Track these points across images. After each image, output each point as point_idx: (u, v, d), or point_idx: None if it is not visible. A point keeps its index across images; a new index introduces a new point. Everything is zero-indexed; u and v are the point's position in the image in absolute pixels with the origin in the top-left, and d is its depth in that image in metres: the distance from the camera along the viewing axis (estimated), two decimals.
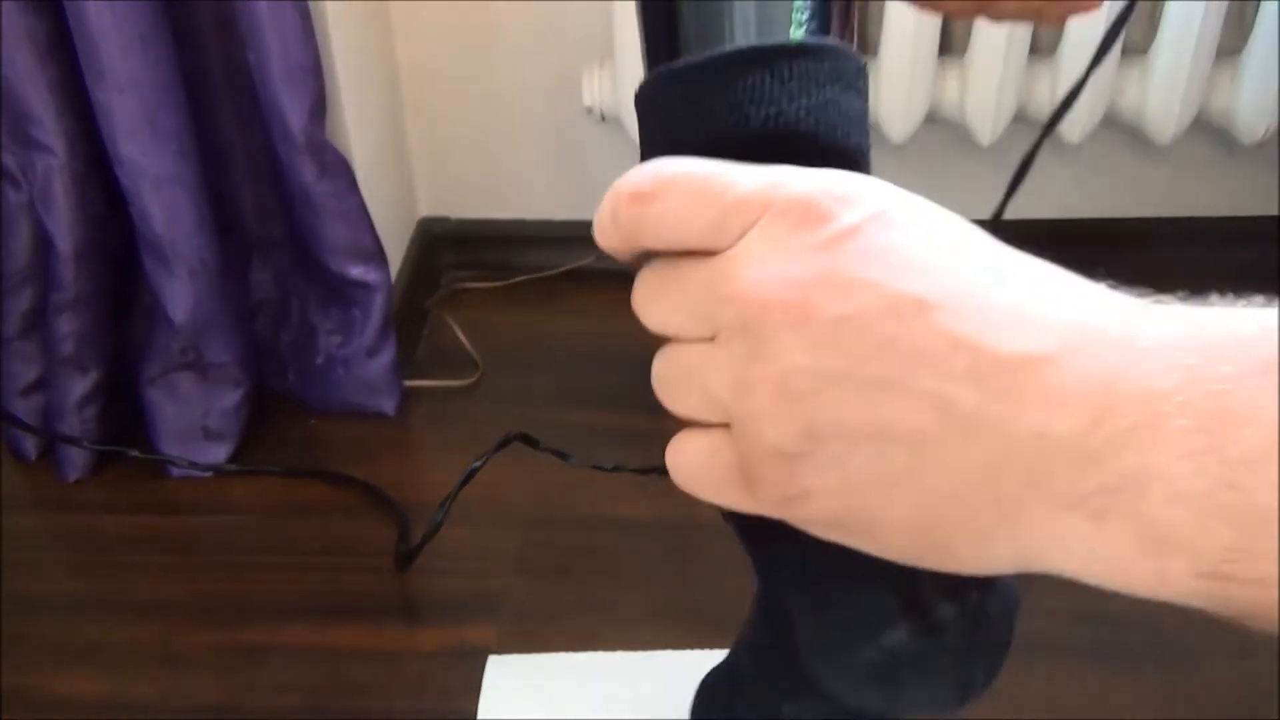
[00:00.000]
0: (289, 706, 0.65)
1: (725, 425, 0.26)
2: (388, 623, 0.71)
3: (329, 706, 0.65)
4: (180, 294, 0.80)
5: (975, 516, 0.23)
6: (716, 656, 0.67)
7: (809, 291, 0.23)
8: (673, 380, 0.26)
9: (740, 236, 0.25)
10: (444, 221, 1.14)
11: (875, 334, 0.23)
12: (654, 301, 0.27)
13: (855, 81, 0.28)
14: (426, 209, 1.14)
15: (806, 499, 0.24)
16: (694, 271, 0.26)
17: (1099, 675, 0.65)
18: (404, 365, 0.94)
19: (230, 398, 0.86)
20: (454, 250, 1.14)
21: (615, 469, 0.78)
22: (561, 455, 0.79)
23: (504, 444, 0.78)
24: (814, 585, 0.32)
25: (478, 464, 0.77)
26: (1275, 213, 1.05)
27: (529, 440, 0.79)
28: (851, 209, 0.24)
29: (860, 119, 0.28)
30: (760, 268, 0.24)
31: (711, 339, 0.25)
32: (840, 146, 0.28)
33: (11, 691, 0.67)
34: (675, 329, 0.26)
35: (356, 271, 0.87)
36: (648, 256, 0.28)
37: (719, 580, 0.74)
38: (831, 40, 0.28)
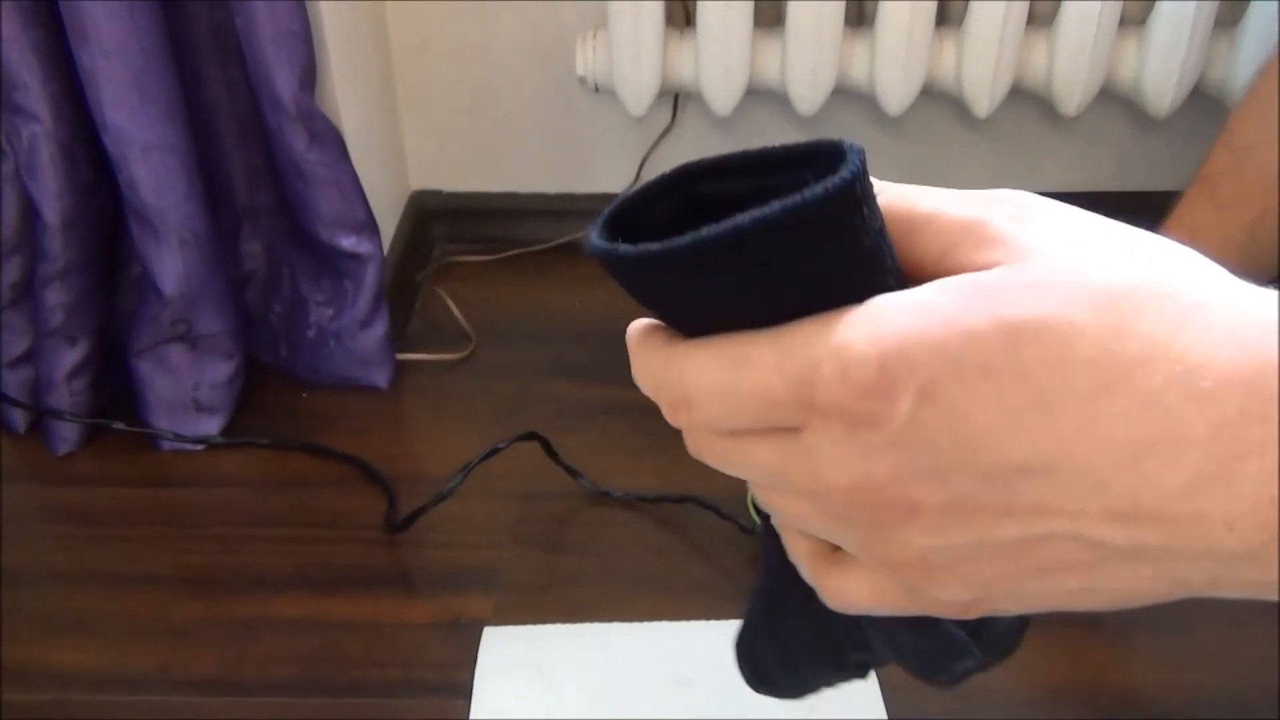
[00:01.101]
0: (284, 678, 0.65)
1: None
2: (382, 594, 0.71)
3: (324, 677, 0.65)
4: (170, 264, 0.79)
5: (1151, 589, 0.23)
6: (711, 627, 0.68)
7: (906, 488, 0.22)
8: (790, 517, 0.26)
9: (798, 424, 0.23)
10: (436, 195, 1.13)
11: (989, 510, 0.22)
12: (731, 467, 0.25)
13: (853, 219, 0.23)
14: (418, 182, 1.12)
15: (983, 606, 0.25)
16: (776, 457, 0.24)
17: (1092, 641, 0.66)
18: (396, 339, 0.93)
19: (221, 370, 0.85)
20: (446, 223, 1.13)
21: (624, 496, 0.78)
22: (573, 473, 0.79)
23: (524, 438, 0.80)
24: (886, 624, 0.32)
25: (501, 445, 0.79)
26: None
27: (547, 447, 0.80)
28: (897, 395, 0.21)
29: (871, 248, 0.23)
30: (844, 471, 0.23)
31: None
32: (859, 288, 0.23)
33: (7, 664, 0.67)
34: (766, 488, 0.26)
35: (348, 242, 0.86)
36: None
37: (713, 553, 0.74)
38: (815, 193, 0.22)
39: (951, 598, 0.24)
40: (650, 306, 0.25)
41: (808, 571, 0.27)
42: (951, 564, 0.23)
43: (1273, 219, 0.69)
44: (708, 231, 0.21)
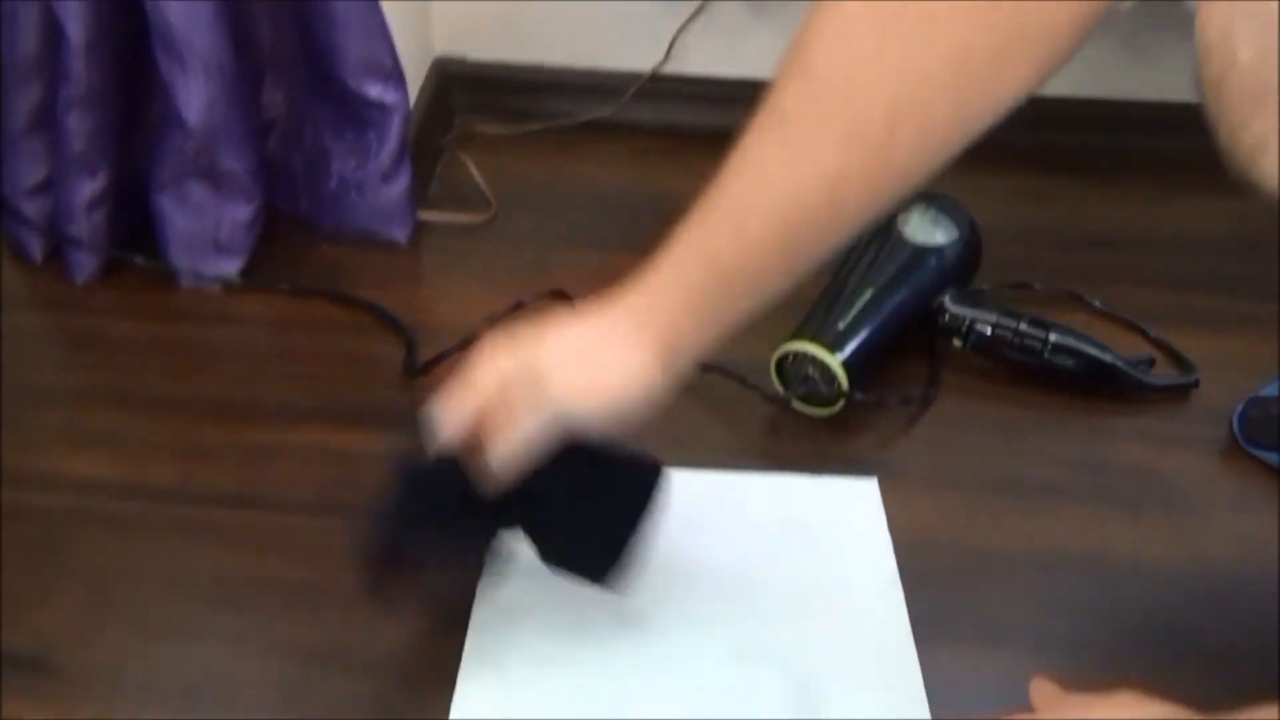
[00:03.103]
0: (302, 498, 0.66)
1: None
2: (400, 431, 0.71)
3: (340, 500, 0.66)
4: (195, 93, 0.77)
5: None
6: (725, 477, 0.68)
7: None
8: None
9: None
10: (460, 62, 1.11)
11: None
12: None
13: None
14: (442, 47, 1.10)
15: None
16: None
17: (1100, 518, 0.67)
18: (417, 199, 0.92)
19: (242, 211, 0.84)
20: (469, 92, 1.11)
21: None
22: None
23: (550, 294, 0.82)
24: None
25: (527, 300, 0.81)
26: None
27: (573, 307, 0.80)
28: None
29: None
30: None
31: None
32: None
33: (24, 470, 0.67)
34: None
35: (374, 90, 0.85)
36: None
37: (734, 419, 0.75)
38: None
39: None
40: None
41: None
42: None
43: (858, 184, 0.47)
44: None
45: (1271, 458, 0.70)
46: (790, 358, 0.73)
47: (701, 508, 0.65)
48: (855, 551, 0.63)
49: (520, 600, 0.59)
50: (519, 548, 0.55)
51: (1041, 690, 0.50)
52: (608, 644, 0.57)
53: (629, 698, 0.54)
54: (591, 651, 0.56)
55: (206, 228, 0.84)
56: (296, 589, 0.60)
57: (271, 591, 0.60)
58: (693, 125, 1.04)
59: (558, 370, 0.49)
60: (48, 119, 0.81)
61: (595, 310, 0.52)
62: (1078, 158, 1.07)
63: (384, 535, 0.53)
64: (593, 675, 0.55)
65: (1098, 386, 0.76)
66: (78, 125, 0.79)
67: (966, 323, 0.77)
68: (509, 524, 0.54)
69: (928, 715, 0.54)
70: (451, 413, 0.51)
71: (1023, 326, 0.76)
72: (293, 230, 0.92)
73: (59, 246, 0.85)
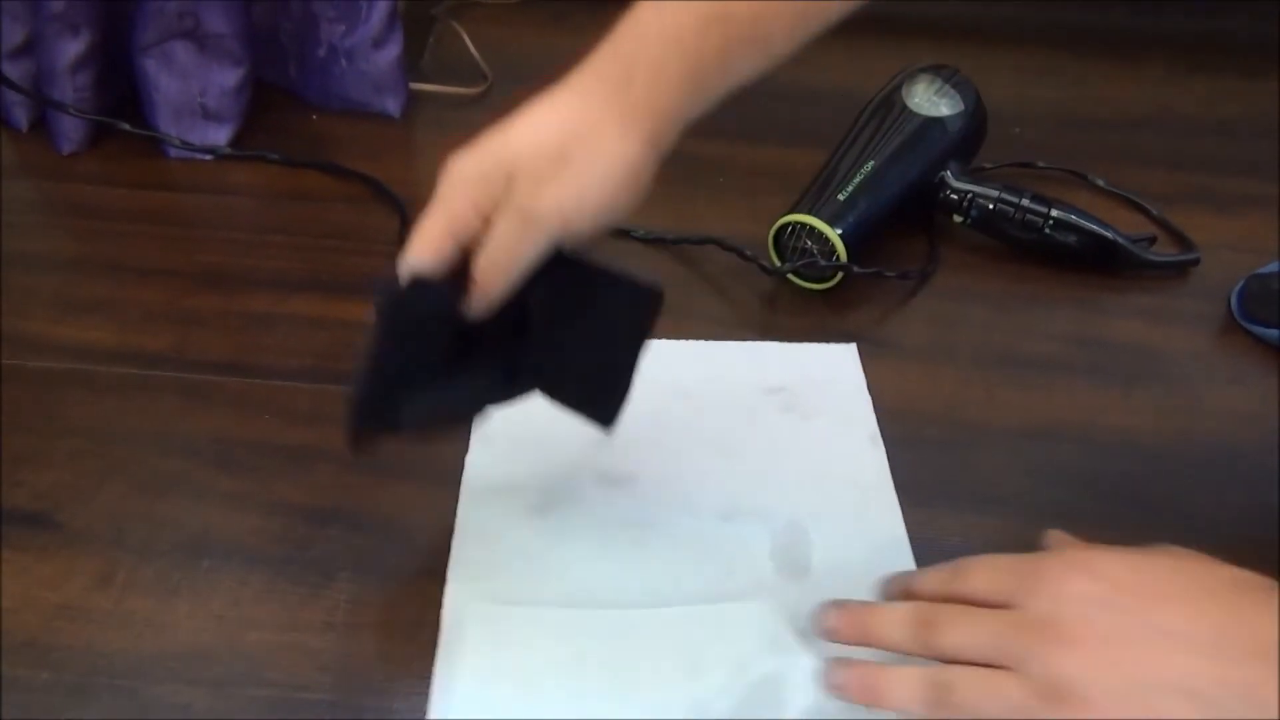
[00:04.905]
0: (297, 366, 0.66)
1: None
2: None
3: (336, 368, 0.66)
4: None
5: None
6: (715, 345, 0.68)
7: None
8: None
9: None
10: None
11: None
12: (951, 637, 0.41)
13: None
14: None
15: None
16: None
17: (1093, 391, 0.67)
18: (409, 70, 0.90)
19: (230, 76, 0.82)
20: None
21: (646, 235, 0.77)
22: None
23: None
24: None
25: None
26: None
27: None
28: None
29: None
30: None
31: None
32: None
33: (19, 335, 0.67)
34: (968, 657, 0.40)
35: None
36: None
37: (732, 291, 0.74)
38: None
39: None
40: None
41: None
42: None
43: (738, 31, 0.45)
44: None
45: (1269, 334, 0.70)
46: (789, 230, 0.73)
47: (683, 375, 0.66)
48: (836, 413, 0.64)
49: (508, 468, 0.59)
50: (508, 387, 0.52)
51: (1061, 539, 0.47)
52: (597, 506, 0.57)
53: (619, 555, 0.55)
54: (580, 513, 0.57)
55: (193, 93, 0.82)
56: (294, 452, 0.60)
57: (269, 454, 0.60)
58: None
59: (530, 169, 0.44)
60: None
61: (564, 90, 0.46)
62: (1088, 35, 1.04)
63: (369, 375, 0.49)
64: (583, 537, 0.56)
65: (1098, 264, 0.76)
66: None
67: (968, 198, 0.76)
68: (499, 355, 0.50)
69: (911, 562, 0.55)
70: (425, 236, 0.46)
71: (1024, 202, 0.75)
72: (281, 100, 0.90)
73: (45, 115, 0.83)
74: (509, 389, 0.52)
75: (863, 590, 0.48)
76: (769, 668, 0.48)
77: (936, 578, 0.45)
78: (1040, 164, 0.85)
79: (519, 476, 0.59)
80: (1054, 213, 0.75)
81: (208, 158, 0.83)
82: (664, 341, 0.68)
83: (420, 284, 0.46)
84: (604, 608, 0.51)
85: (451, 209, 0.46)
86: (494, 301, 0.47)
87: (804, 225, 0.72)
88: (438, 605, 0.52)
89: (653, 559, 0.55)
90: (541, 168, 0.44)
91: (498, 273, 0.46)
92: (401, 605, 0.53)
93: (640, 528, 0.56)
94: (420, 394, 0.49)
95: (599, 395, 0.51)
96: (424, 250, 0.46)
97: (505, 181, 0.44)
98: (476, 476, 0.58)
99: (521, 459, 0.59)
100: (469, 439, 0.60)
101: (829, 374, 0.67)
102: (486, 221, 0.45)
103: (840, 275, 0.72)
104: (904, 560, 0.55)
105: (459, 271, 0.47)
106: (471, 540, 0.55)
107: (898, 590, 0.46)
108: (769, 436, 0.62)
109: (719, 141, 0.81)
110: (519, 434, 0.60)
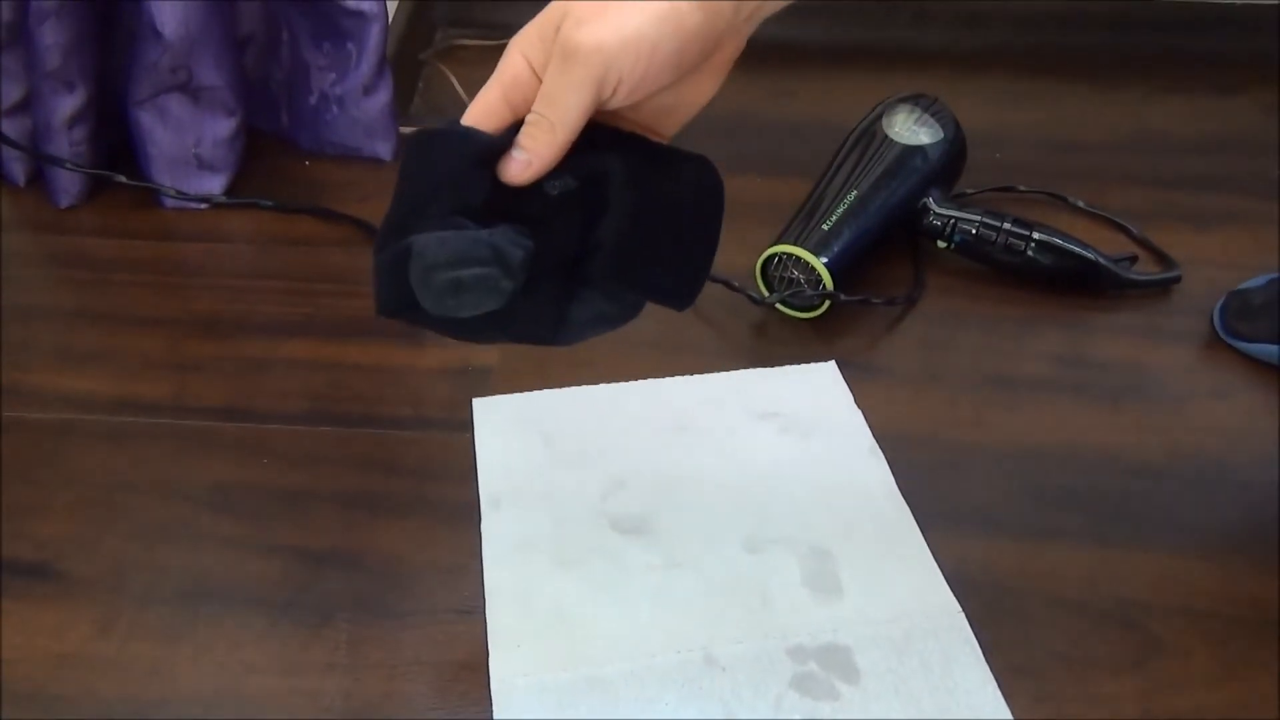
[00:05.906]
0: (296, 409, 0.67)
1: None
2: (390, 343, 0.72)
3: (334, 411, 0.67)
4: (170, 4, 0.76)
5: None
6: (710, 379, 0.69)
7: None
8: None
9: None
10: None
11: None
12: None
13: None
14: None
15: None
16: None
17: (1081, 409, 0.68)
18: (399, 114, 0.91)
19: (223, 126, 0.84)
20: (449, 5, 1.10)
21: None
22: None
23: None
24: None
25: None
26: None
27: None
28: None
29: None
30: None
31: None
32: None
33: (18, 387, 0.68)
34: None
35: None
36: None
37: (722, 323, 0.75)
38: None
39: None
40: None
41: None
42: None
43: None
44: None
45: (1252, 348, 0.71)
46: (776, 260, 0.74)
47: (676, 410, 0.66)
48: (833, 429, 0.65)
49: (522, 529, 0.59)
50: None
51: None
52: (620, 554, 0.57)
53: (652, 600, 0.55)
54: (605, 564, 0.57)
55: (187, 144, 0.83)
56: (293, 494, 0.61)
57: (268, 497, 0.61)
58: None
59: (577, 13, 0.42)
60: (22, 33, 0.80)
61: None
62: (1064, 59, 1.06)
63: (394, 230, 0.43)
64: (612, 587, 0.55)
65: (1081, 285, 0.77)
66: (53, 39, 0.78)
67: (951, 224, 0.77)
68: (552, 251, 0.45)
69: (932, 564, 0.56)
70: (479, 100, 0.44)
71: (1006, 226, 0.76)
72: (274, 148, 0.92)
73: (42, 170, 0.84)
74: (564, 286, 0.46)
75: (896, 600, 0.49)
76: None
77: None
78: (1021, 188, 0.87)
79: (535, 534, 0.59)
80: (1036, 236, 0.76)
81: (203, 206, 0.85)
82: (649, 381, 0.69)
83: (456, 127, 0.43)
84: (650, 656, 0.52)
85: (505, 70, 0.44)
86: (543, 163, 0.44)
87: (790, 255, 0.73)
88: (439, 643, 0.53)
89: (688, 600, 0.55)
90: (586, 11, 0.43)
91: (543, 124, 0.43)
92: (402, 644, 0.53)
93: (666, 570, 0.57)
94: (440, 248, 0.42)
95: (679, 274, 0.47)
96: (476, 112, 0.44)
97: (554, 31, 0.43)
98: (495, 538, 0.58)
99: (532, 518, 0.59)
100: (478, 505, 0.61)
101: (816, 392, 0.68)
102: (535, 80, 0.44)
103: (827, 303, 0.73)
104: (926, 563, 0.57)
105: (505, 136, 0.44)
106: (504, 605, 0.55)
107: None
108: (774, 460, 0.63)
109: None
110: (523, 492, 0.60)
